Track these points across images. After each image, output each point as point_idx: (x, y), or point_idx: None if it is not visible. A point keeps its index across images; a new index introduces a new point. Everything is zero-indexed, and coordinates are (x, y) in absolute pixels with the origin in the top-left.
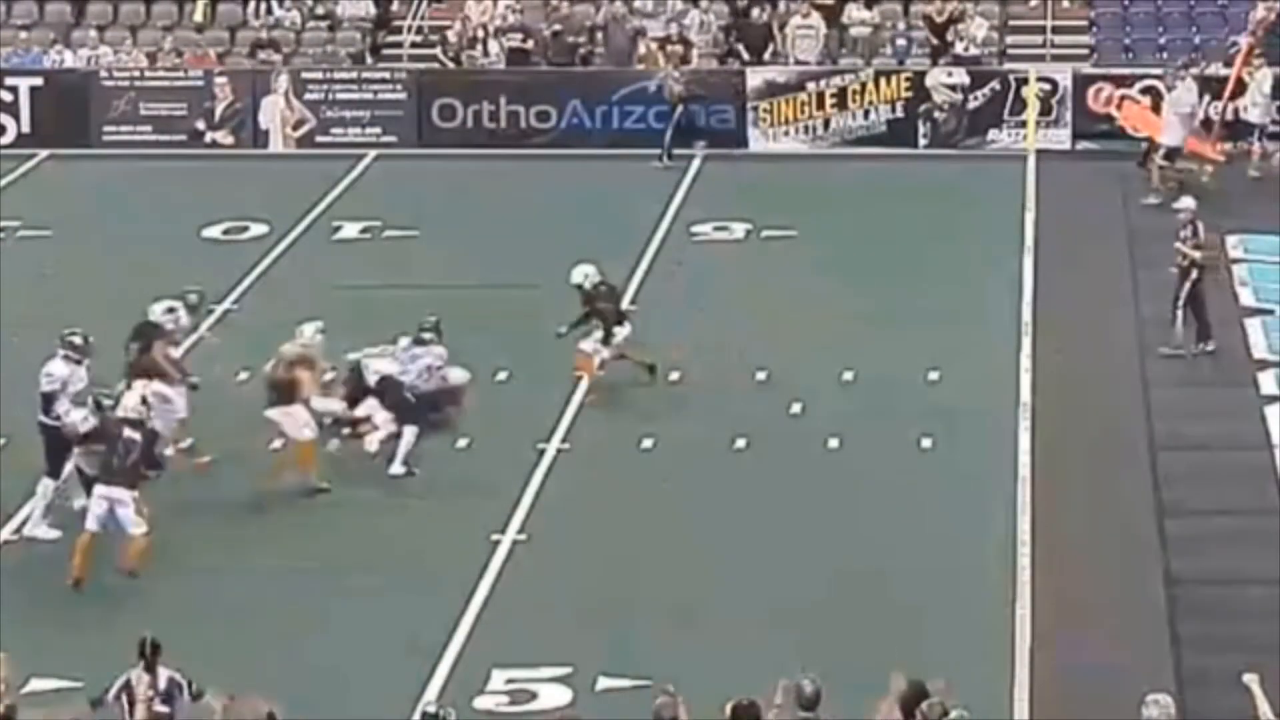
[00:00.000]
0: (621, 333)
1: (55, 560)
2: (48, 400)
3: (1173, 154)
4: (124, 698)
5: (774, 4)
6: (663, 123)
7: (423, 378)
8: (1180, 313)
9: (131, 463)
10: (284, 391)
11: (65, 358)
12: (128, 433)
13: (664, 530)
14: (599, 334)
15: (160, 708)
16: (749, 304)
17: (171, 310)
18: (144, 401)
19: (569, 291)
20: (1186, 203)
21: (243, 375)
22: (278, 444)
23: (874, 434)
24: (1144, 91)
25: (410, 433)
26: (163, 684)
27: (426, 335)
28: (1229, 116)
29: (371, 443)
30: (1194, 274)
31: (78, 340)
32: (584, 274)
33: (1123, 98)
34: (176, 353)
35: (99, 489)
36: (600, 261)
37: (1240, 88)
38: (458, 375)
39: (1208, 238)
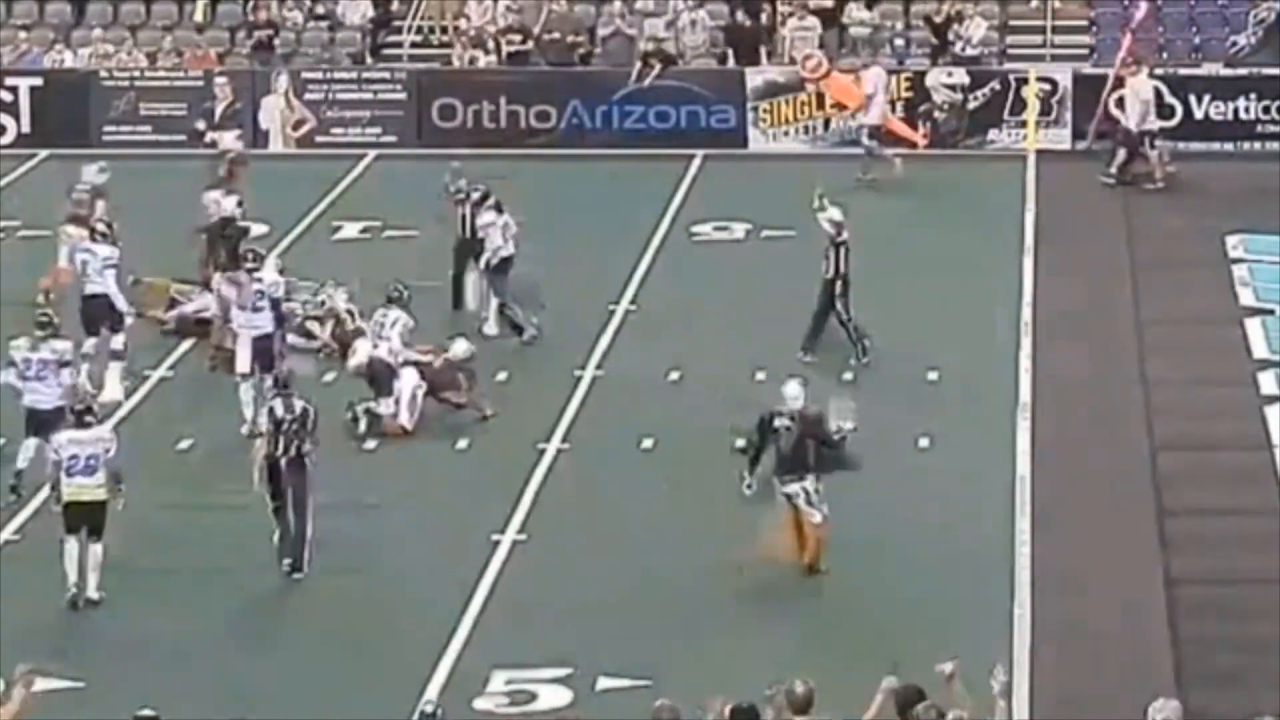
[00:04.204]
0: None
1: (55, 560)
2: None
3: (875, 131)
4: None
5: (773, 5)
6: (663, 122)
7: (403, 339)
8: (823, 321)
9: None
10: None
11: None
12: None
13: (664, 530)
14: None
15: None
16: (749, 304)
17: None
18: None
19: (568, 292)
20: (834, 214)
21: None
22: None
23: (874, 434)
24: None
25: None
26: (298, 409)
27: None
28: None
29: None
30: (838, 287)
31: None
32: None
33: (830, 67)
34: None
35: None
36: (600, 261)
37: (1120, 86)
38: (460, 348)
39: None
